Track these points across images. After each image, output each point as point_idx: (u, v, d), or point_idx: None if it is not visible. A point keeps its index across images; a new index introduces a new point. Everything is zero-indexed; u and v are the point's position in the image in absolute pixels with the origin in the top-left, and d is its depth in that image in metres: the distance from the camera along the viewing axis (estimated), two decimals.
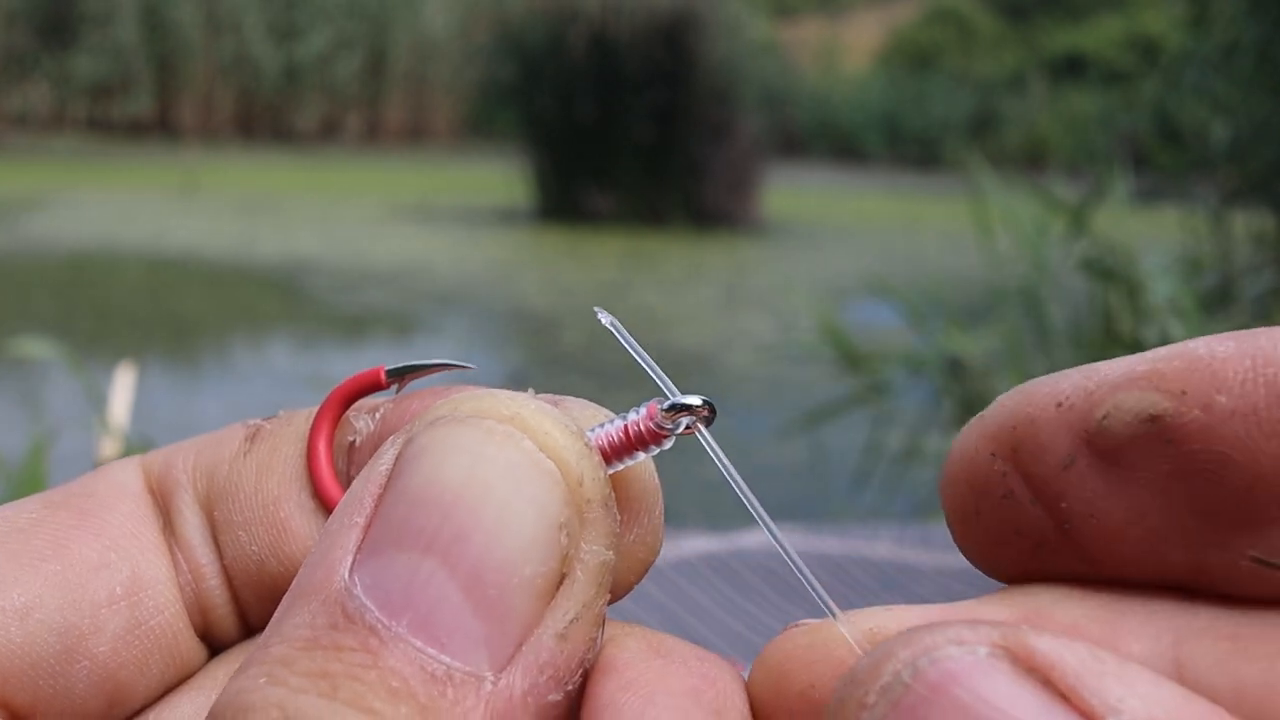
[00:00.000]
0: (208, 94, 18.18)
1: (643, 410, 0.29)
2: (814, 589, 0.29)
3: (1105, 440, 0.26)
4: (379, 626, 0.25)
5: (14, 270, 7.76)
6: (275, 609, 0.32)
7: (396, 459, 0.27)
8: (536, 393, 0.30)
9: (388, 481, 0.27)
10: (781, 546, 0.30)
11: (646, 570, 0.31)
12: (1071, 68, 20.41)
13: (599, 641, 0.27)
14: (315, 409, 0.34)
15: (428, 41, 18.83)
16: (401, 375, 0.33)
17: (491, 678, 0.25)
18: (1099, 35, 20.54)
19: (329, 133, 18.94)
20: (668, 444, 0.29)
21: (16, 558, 0.30)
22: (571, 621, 0.26)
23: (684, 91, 10.81)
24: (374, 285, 7.38)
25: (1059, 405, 0.27)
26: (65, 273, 7.81)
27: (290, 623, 0.26)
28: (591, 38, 10.88)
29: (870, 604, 0.88)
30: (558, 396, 0.31)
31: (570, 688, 0.26)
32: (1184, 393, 0.25)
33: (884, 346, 4.03)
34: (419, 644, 0.25)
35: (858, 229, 11.15)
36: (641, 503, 0.30)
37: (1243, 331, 0.26)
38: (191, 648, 0.33)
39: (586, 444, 0.27)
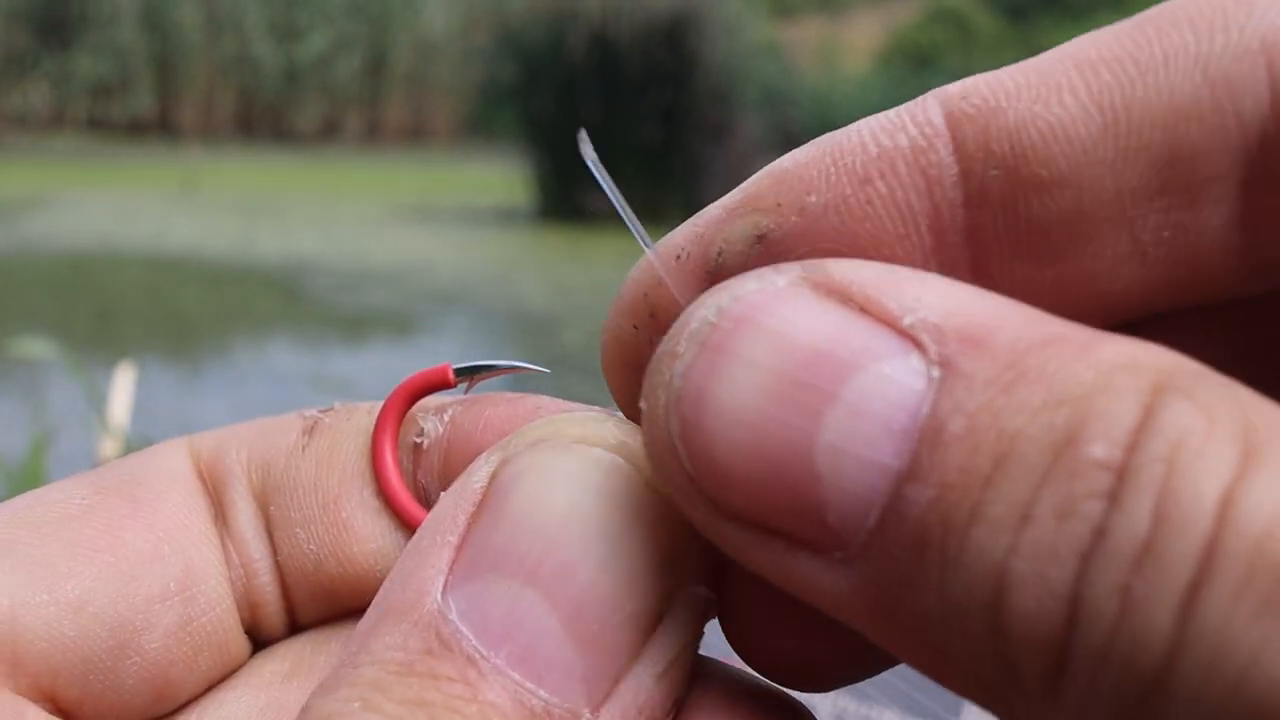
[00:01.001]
0: (208, 94, 18.18)
1: None
2: (634, 228, 0.29)
3: (726, 274, 0.25)
4: (477, 657, 0.24)
5: (14, 270, 7.76)
6: (328, 608, 0.32)
7: (491, 478, 0.26)
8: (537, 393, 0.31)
9: (482, 501, 0.26)
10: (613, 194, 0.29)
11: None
12: None
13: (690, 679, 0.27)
14: (376, 404, 0.33)
15: (428, 42, 18.83)
16: (470, 374, 0.33)
17: (589, 715, 0.24)
18: None
19: (329, 133, 18.95)
20: None
21: (72, 547, 0.30)
22: (671, 661, 0.25)
23: (684, 92, 10.81)
24: (374, 285, 7.38)
25: (678, 258, 0.28)
26: (65, 273, 7.81)
27: (381, 643, 0.25)
28: (591, 38, 10.88)
29: None
30: (587, 409, 0.30)
31: None
32: (778, 205, 0.26)
33: None
34: (518, 677, 0.24)
35: None
36: None
37: (818, 138, 0.26)
38: (239, 643, 0.32)
39: (693, 478, 0.27)
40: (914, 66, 22.03)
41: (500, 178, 11.46)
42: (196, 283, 7.50)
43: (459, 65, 18.25)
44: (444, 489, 0.31)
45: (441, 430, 0.32)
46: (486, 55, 13.69)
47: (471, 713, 0.24)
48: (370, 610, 0.26)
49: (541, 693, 0.24)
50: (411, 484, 0.32)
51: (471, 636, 0.24)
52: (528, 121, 11.44)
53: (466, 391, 0.33)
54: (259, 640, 0.33)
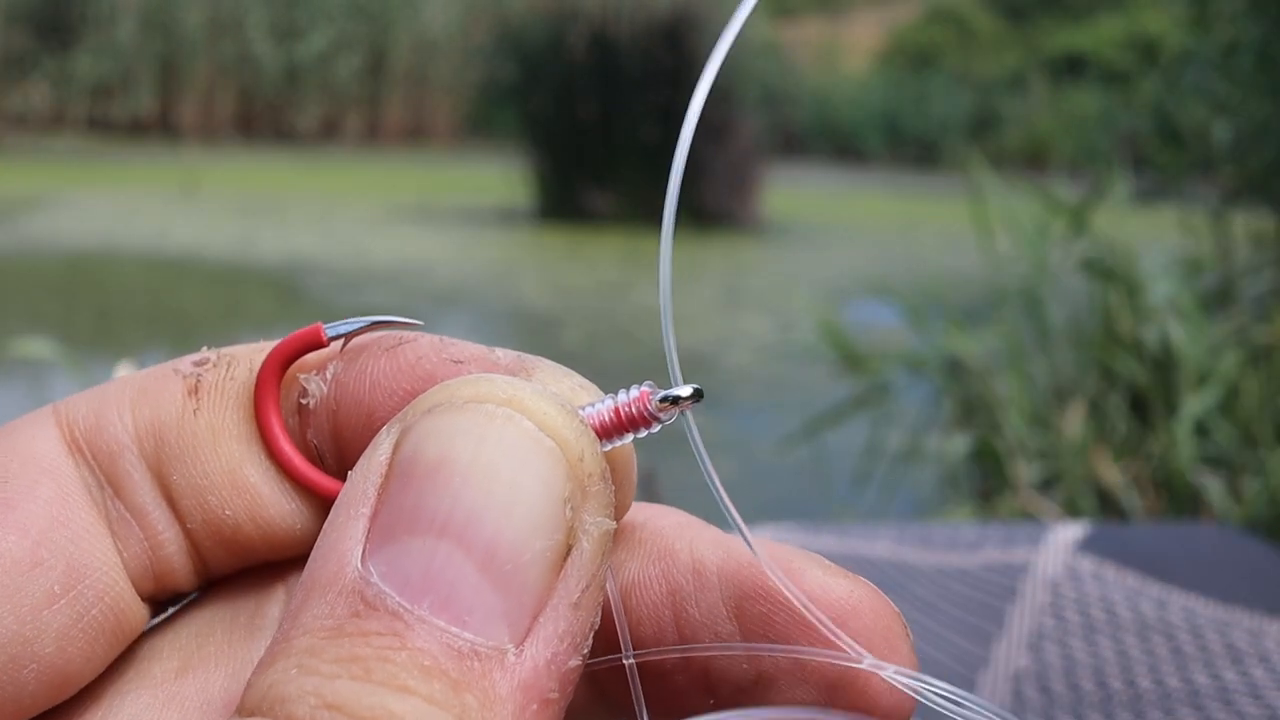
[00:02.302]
0: (208, 94, 18.17)
1: (634, 393, 0.30)
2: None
3: None
4: (402, 610, 0.26)
5: (14, 270, 7.75)
6: (244, 563, 0.32)
7: (395, 448, 0.28)
8: (502, 352, 0.32)
9: (388, 471, 0.27)
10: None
11: (624, 514, 0.32)
12: (1071, 68, 20.40)
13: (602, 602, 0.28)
14: (254, 350, 0.33)
15: (428, 41, 18.82)
16: (343, 333, 0.33)
17: (514, 650, 0.26)
18: (1099, 35, 20.53)
19: (329, 133, 18.93)
20: (656, 429, 0.30)
21: None
22: (584, 590, 0.27)
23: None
24: (374, 285, 7.38)
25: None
26: (65, 273, 7.80)
27: (309, 614, 0.26)
28: (591, 38, 10.87)
29: None
30: (528, 357, 0.32)
31: (586, 650, 0.27)
32: None
33: (884, 346, 4.03)
34: (443, 623, 0.26)
35: (858, 229, 11.14)
36: (619, 467, 0.31)
37: None
38: (136, 613, 0.32)
39: (583, 422, 0.28)
40: (914, 66, 22.01)
41: (500, 178, 11.45)
42: (196, 283, 7.50)
43: (459, 65, 18.24)
44: (337, 449, 0.32)
45: (325, 389, 0.32)
46: (486, 55, 13.68)
47: (402, 659, 0.25)
48: (296, 591, 0.27)
49: (466, 634, 0.26)
50: (302, 445, 0.32)
51: (394, 594, 0.26)
52: (528, 121, 11.43)
53: (343, 349, 0.33)
54: (167, 601, 0.33)
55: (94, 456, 0.32)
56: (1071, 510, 2.81)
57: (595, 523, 0.28)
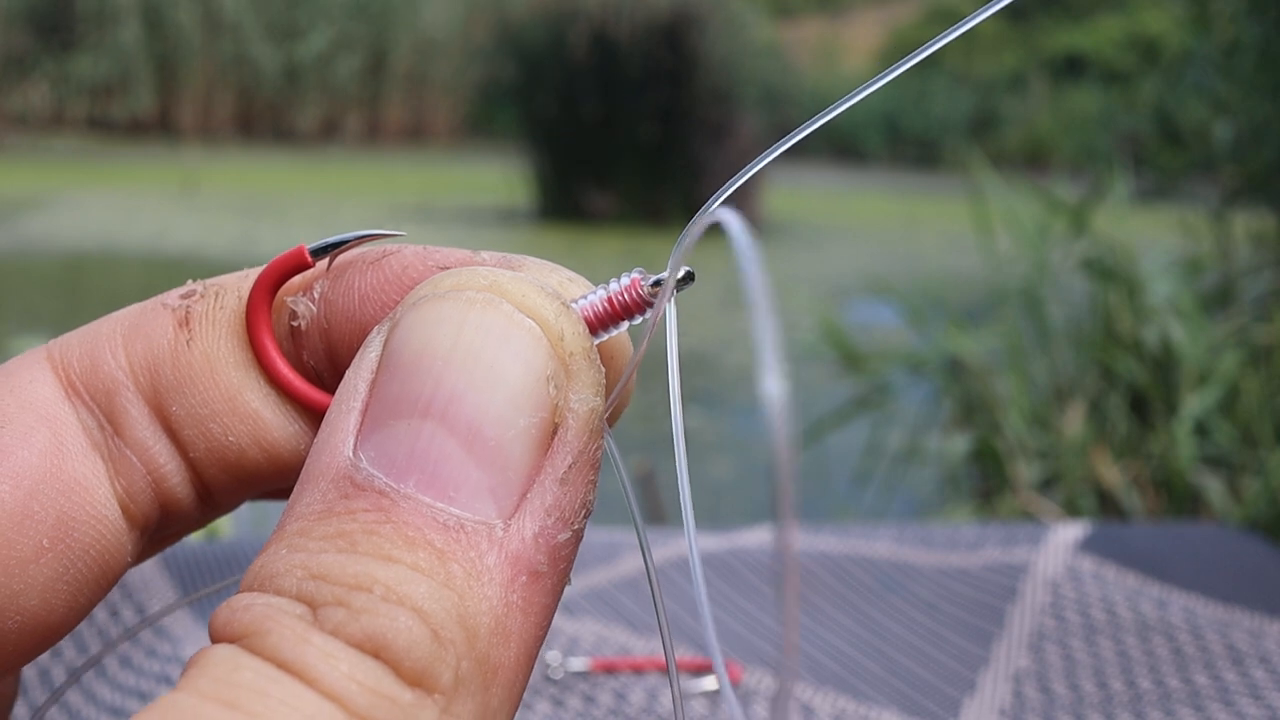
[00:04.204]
0: (208, 94, 18.16)
1: (625, 280, 0.31)
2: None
3: None
4: (388, 489, 0.26)
5: (14, 270, 7.75)
6: (250, 491, 0.33)
7: (384, 345, 0.28)
8: (488, 254, 0.32)
9: (379, 366, 0.28)
10: None
11: (622, 412, 0.33)
12: (1071, 68, 20.39)
13: (597, 482, 0.29)
14: (240, 278, 0.33)
15: (428, 41, 18.81)
16: (326, 252, 0.33)
17: (501, 524, 0.26)
18: (1099, 35, 20.53)
19: (329, 133, 18.92)
20: (649, 315, 0.31)
21: None
22: (570, 467, 0.28)
23: (684, 91, 10.80)
24: None
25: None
26: (65, 273, 7.80)
27: (302, 502, 0.27)
28: (592, 37, 10.86)
29: (872, 605, 0.89)
30: (515, 256, 0.32)
31: (578, 526, 0.28)
32: None
33: (884, 346, 4.03)
34: (428, 499, 0.26)
35: (858, 229, 11.14)
36: (617, 355, 0.32)
37: None
38: (121, 561, 0.32)
39: (563, 303, 0.29)
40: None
41: (500, 178, 11.44)
42: None
43: (459, 65, 18.24)
44: (333, 367, 0.33)
45: (315, 309, 0.33)
46: (486, 55, 13.68)
47: (387, 532, 0.25)
48: (295, 488, 0.28)
49: (452, 509, 0.26)
50: (299, 367, 0.33)
51: (381, 475, 0.26)
52: (528, 121, 11.43)
53: (329, 267, 0.33)
54: (170, 527, 0.33)
55: (91, 396, 0.32)
56: (1071, 510, 2.81)
57: (581, 399, 0.28)
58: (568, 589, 0.83)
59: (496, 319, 0.28)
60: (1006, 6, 0.31)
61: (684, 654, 0.74)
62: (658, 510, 3.30)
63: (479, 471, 0.26)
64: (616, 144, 10.80)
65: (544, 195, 11.17)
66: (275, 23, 18.26)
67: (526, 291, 0.28)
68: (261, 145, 17.52)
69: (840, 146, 19.38)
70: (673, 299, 0.30)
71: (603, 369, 0.29)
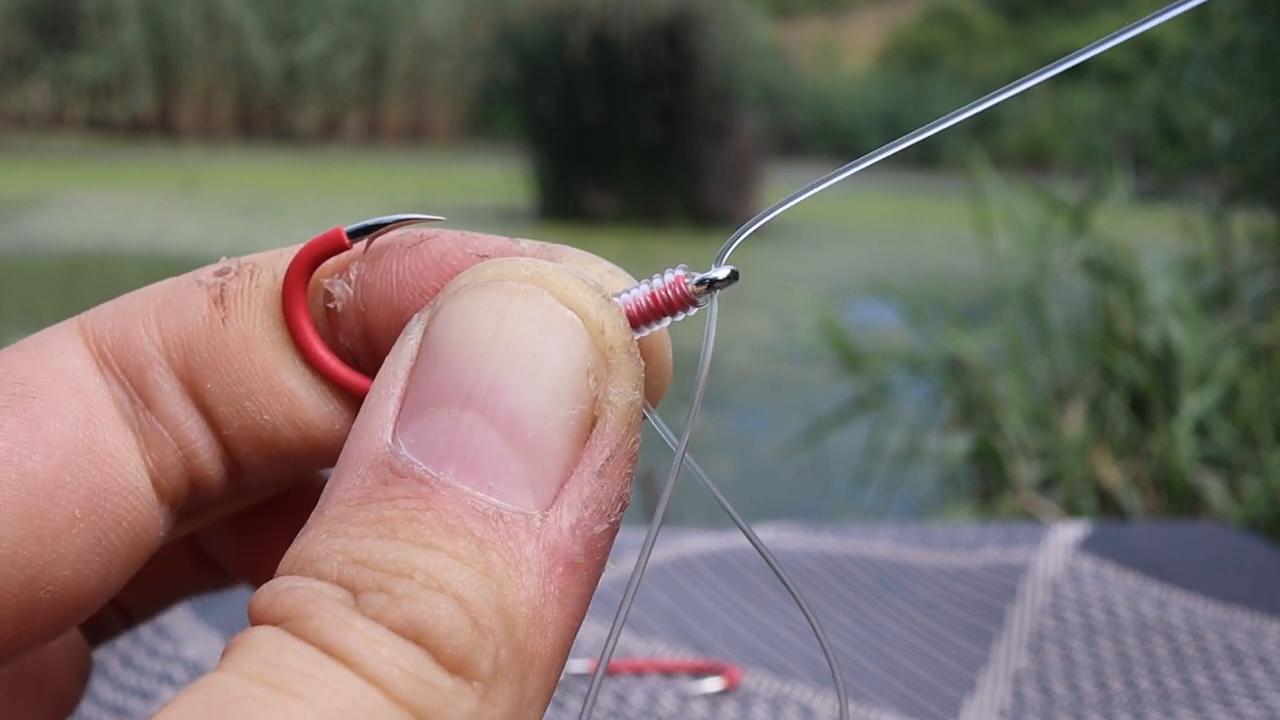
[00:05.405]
0: (208, 94, 18.16)
1: (669, 277, 0.31)
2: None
3: None
4: (428, 477, 0.26)
5: (14, 270, 7.75)
6: (284, 471, 0.33)
7: (424, 333, 0.29)
8: (527, 243, 0.32)
9: (419, 353, 0.28)
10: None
11: (659, 401, 0.33)
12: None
13: (634, 475, 0.29)
14: (276, 257, 0.33)
15: (428, 41, 18.81)
16: (363, 234, 0.33)
17: (539, 515, 0.27)
18: (1099, 35, 20.46)
19: (329, 133, 18.92)
20: (694, 311, 0.31)
21: None
22: (608, 459, 0.28)
23: (684, 91, 10.80)
24: None
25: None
26: (65, 273, 7.81)
27: (341, 488, 0.27)
28: (592, 37, 10.86)
29: (872, 605, 0.89)
30: (554, 246, 0.32)
31: (614, 519, 0.28)
32: None
33: (884, 346, 4.03)
34: (468, 488, 0.26)
35: (858, 229, 11.14)
36: (655, 350, 0.32)
37: None
38: (154, 534, 0.32)
39: (604, 295, 0.29)
40: (914, 66, 22.01)
41: (500, 178, 11.45)
42: None
43: (459, 65, 18.24)
44: (370, 350, 0.33)
45: (351, 291, 0.33)
46: (486, 55, 13.67)
47: (428, 519, 0.26)
48: (332, 473, 0.28)
49: (491, 499, 0.26)
50: (335, 348, 0.33)
51: (421, 463, 0.27)
52: (528, 121, 11.43)
53: (365, 250, 0.33)
54: (200, 503, 0.33)
55: (123, 370, 0.32)
56: (1071, 510, 2.81)
57: (620, 393, 0.28)
58: None
59: (539, 310, 0.28)
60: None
61: (684, 655, 0.74)
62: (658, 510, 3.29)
63: (518, 462, 0.27)
64: (616, 144, 10.80)
65: (544, 195, 11.17)
66: (275, 23, 18.26)
67: (568, 284, 0.28)
68: (261, 145, 17.53)
69: (840, 146, 19.38)
70: (715, 299, 0.31)
71: (642, 363, 0.30)
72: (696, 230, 10.28)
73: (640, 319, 0.31)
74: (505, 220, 10.90)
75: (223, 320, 0.32)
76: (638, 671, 0.71)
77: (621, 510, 0.29)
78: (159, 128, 17.83)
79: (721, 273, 0.31)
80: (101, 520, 0.31)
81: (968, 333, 3.43)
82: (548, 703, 0.27)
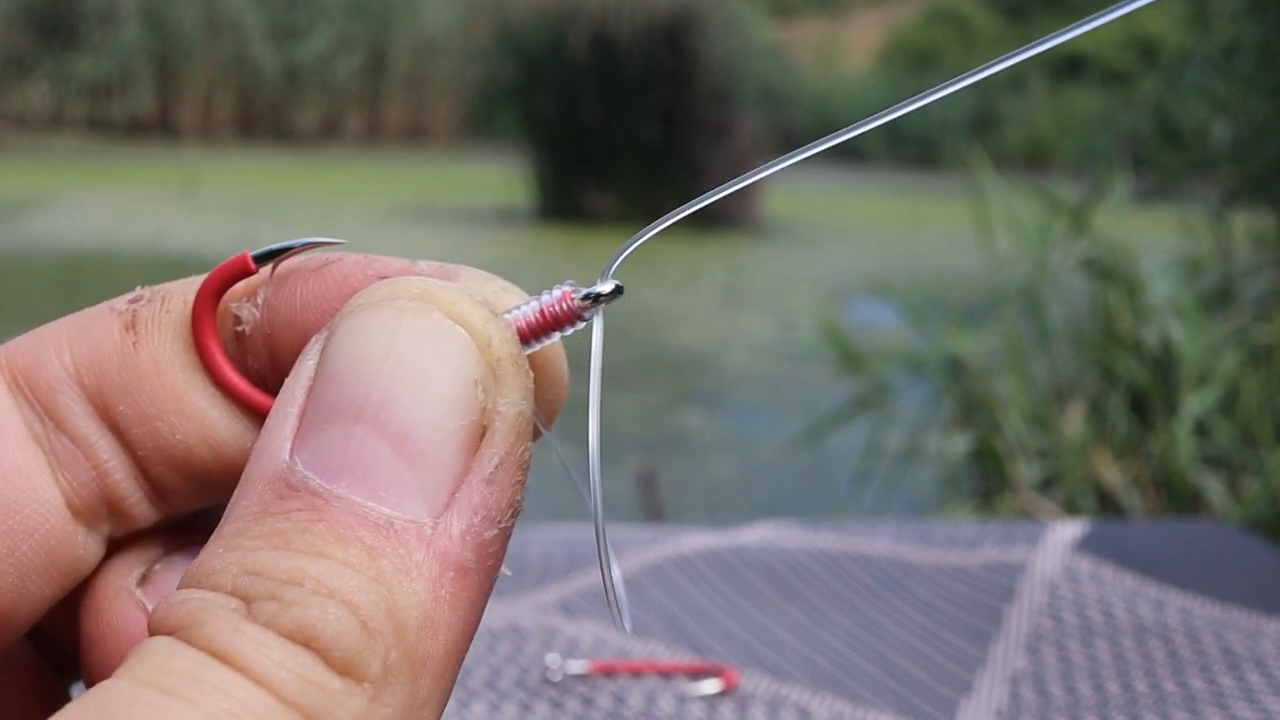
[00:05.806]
0: (208, 94, 18.16)
1: (557, 293, 0.32)
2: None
3: None
4: (321, 490, 0.27)
5: (14, 270, 7.76)
6: (202, 492, 0.34)
7: (321, 353, 0.30)
8: (425, 264, 0.33)
9: (315, 373, 0.29)
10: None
11: (557, 413, 0.34)
12: (1071, 68, 20.38)
13: (525, 484, 0.30)
14: (187, 284, 0.34)
15: (428, 41, 18.81)
16: (269, 259, 0.34)
17: (430, 522, 0.28)
18: (1099, 35, 20.52)
19: (329, 133, 18.92)
20: (580, 326, 0.32)
21: None
22: (496, 468, 0.29)
23: (684, 91, 10.80)
24: None
25: None
26: (65, 273, 7.81)
27: (240, 505, 0.28)
28: (592, 38, 10.87)
29: (870, 605, 0.89)
30: (452, 266, 0.33)
31: (505, 524, 0.29)
32: None
33: (884, 346, 4.03)
34: (359, 499, 0.27)
35: (858, 229, 11.14)
36: (550, 364, 0.33)
37: None
38: (76, 549, 0.33)
39: (492, 310, 0.30)
40: (914, 66, 22.00)
41: (500, 178, 11.45)
42: None
43: (459, 65, 18.24)
44: (276, 371, 0.33)
45: (258, 314, 0.33)
46: (486, 55, 13.68)
47: (319, 530, 0.27)
48: (234, 493, 0.29)
49: (383, 508, 0.27)
50: (244, 370, 0.34)
51: (315, 477, 0.28)
52: (528, 121, 11.43)
53: (272, 274, 0.34)
54: (126, 530, 0.34)
55: (33, 393, 0.32)
56: (1071, 510, 2.81)
57: (509, 403, 0.29)
58: (566, 590, 0.83)
59: (427, 326, 0.29)
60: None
61: (682, 656, 0.74)
62: (658, 510, 3.30)
63: (409, 472, 0.28)
64: (616, 144, 10.81)
65: (544, 195, 11.17)
66: (275, 23, 18.26)
67: (456, 299, 0.29)
68: (261, 145, 17.53)
69: (840, 146, 19.29)
70: (601, 312, 0.32)
71: (531, 375, 0.30)
72: (696, 230, 10.28)
73: (530, 334, 0.32)
74: (505, 220, 10.90)
75: (134, 345, 0.33)
76: (636, 673, 0.71)
77: (513, 516, 0.29)
78: (159, 128, 17.83)
79: (606, 287, 0.32)
80: (11, 531, 0.31)
81: (968, 333, 3.43)
82: (444, 704, 0.28)
